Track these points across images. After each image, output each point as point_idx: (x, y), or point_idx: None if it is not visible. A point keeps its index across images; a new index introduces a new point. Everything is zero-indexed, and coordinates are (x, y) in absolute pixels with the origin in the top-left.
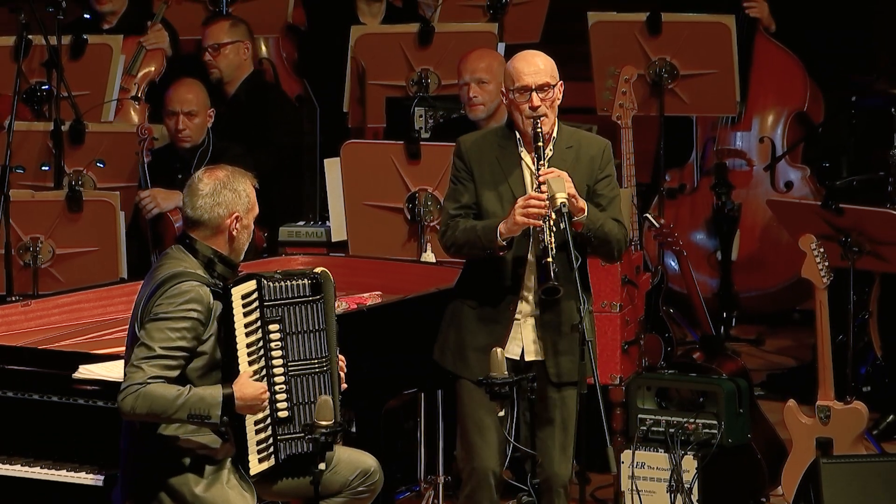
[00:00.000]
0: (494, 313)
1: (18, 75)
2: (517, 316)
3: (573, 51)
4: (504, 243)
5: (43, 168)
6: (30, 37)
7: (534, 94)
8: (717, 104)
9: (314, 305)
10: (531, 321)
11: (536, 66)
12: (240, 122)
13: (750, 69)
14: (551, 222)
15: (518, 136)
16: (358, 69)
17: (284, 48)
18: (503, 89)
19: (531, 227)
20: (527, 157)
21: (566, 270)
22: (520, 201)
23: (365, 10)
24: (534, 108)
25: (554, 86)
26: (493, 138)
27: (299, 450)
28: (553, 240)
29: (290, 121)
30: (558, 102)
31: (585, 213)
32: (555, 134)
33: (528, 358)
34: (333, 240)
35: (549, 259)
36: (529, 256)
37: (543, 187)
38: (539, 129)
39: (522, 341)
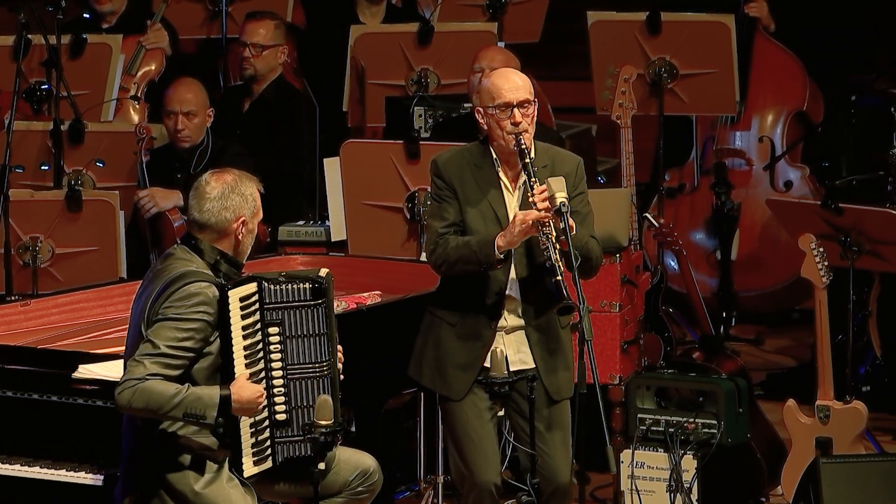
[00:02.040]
0: (475, 330)
1: (18, 75)
2: (499, 329)
3: (572, 50)
4: (502, 256)
5: (42, 167)
6: (29, 36)
7: (515, 110)
8: (717, 104)
9: (316, 309)
10: (515, 334)
11: (515, 83)
12: (262, 121)
13: (749, 68)
14: (554, 238)
15: (494, 154)
16: (357, 69)
17: None
18: (480, 107)
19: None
20: (504, 176)
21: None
22: (519, 213)
23: (364, 10)
24: (516, 125)
25: (532, 102)
26: (468, 157)
27: (297, 453)
28: (559, 257)
29: (311, 132)
30: (535, 119)
31: (574, 231)
32: (532, 151)
33: (513, 368)
34: (333, 239)
35: (559, 277)
36: (512, 272)
37: (544, 194)
38: (524, 146)
39: (506, 352)
